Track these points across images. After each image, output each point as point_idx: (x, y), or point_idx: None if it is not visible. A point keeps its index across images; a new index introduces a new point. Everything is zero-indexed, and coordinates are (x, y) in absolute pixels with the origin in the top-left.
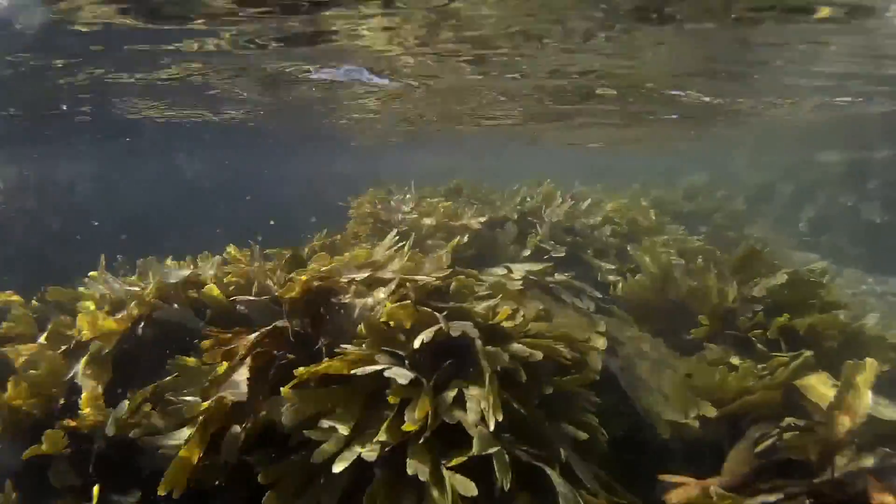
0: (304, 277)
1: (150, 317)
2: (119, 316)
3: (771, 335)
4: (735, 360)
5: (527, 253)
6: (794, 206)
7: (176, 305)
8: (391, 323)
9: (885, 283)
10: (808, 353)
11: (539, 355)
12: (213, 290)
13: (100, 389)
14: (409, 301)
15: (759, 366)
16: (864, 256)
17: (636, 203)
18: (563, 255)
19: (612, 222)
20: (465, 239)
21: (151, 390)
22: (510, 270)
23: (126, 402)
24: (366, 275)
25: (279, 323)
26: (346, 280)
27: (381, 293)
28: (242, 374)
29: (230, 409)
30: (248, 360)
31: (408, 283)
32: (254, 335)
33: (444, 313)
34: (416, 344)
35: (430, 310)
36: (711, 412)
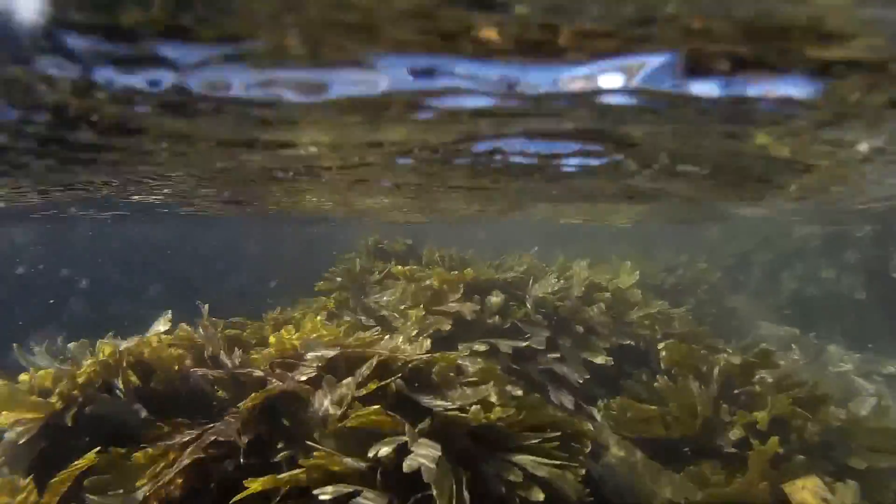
0: (259, 396)
1: (83, 401)
2: (43, 400)
3: (734, 436)
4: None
5: (507, 326)
6: (773, 277)
7: (119, 383)
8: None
9: (870, 361)
10: (775, 441)
11: (539, 496)
12: (162, 351)
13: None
14: (378, 406)
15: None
16: (848, 332)
17: (622, 278)
18: (544, 340)
19: (599, 296)
20: (449, 326)
21: (66, 477)
22: (490, 346)
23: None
24: (334, 353)
25: (224, 431)
26: (311, 358)
27: (347, 386)
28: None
29: None
30: (181, 473)
31: (388, 363)
32: (194, 434)
33: (425, 421)
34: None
35: (398, 417)
36: None
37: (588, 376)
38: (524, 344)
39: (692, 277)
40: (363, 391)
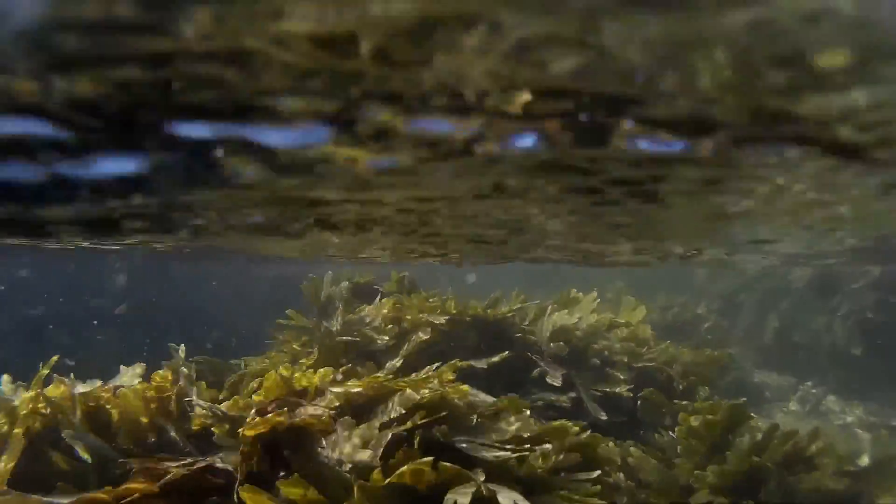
0: (262, 423)
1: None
2: None
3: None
4: None
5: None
6: (762, 321)
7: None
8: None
9: (873, 412)
10: None
11: None
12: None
13: None
14: (428, 460)
15: None
16: (844, 380)
17: (626, 314)
18: (560, 380)
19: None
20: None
21: None
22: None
23: None
24: (357, 390)
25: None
26: (331, 395)
27: (367, 429)
28: None
29: None
30: None
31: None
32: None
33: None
34: None
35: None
36: None
37: (605, 417)
38: (496, 358)
39: (690, 318)
40: (388, 434)
